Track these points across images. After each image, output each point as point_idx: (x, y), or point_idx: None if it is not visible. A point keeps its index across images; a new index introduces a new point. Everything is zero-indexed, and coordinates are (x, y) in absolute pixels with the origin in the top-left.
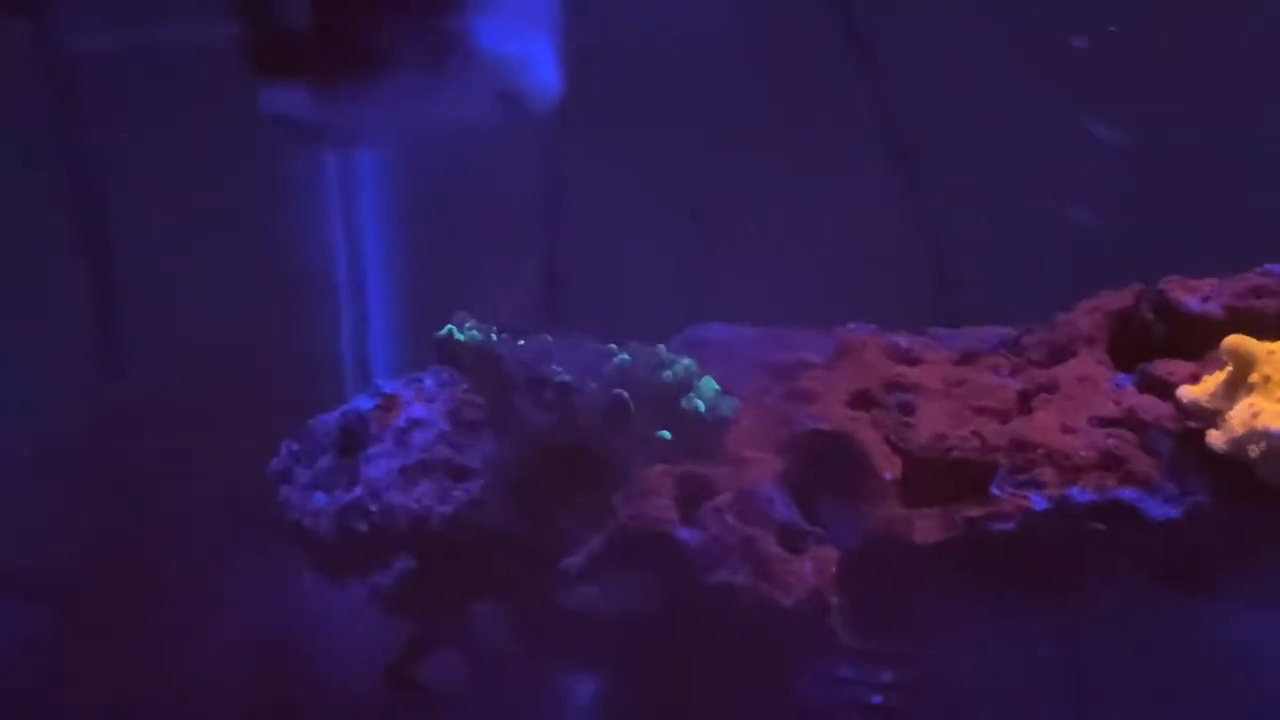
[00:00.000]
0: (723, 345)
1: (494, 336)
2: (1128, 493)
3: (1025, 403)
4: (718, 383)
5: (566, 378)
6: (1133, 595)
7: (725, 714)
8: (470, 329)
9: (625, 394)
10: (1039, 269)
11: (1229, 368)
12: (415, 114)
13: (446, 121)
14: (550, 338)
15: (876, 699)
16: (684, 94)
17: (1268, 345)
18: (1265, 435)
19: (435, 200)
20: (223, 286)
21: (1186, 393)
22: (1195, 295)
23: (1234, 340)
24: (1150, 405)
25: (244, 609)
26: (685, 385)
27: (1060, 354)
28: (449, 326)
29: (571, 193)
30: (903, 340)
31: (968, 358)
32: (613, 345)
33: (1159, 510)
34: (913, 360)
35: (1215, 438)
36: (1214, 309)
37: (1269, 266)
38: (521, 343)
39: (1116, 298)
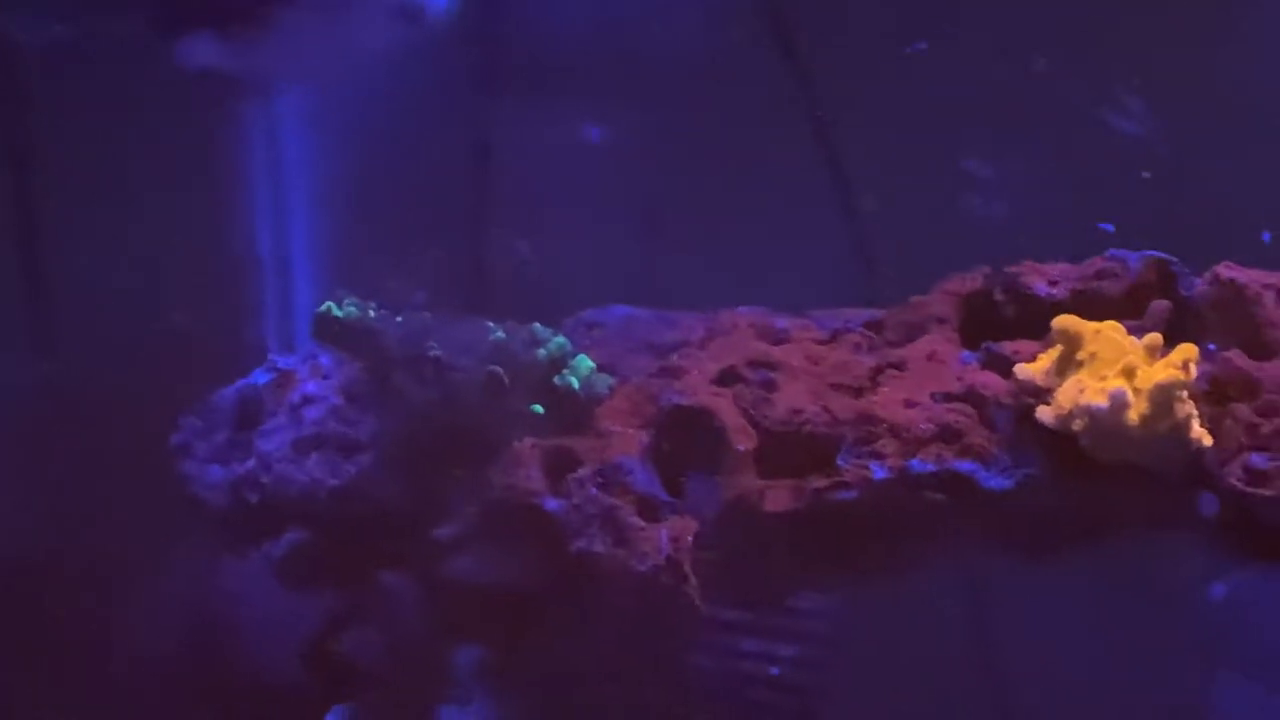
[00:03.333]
0: (616, 326)
1: (371, 314)
2: (964, 464)
3: (876, 379)
4: (604, 361)
5: (441, 354)
6: (978, 562)
7: (613, 683)
8: (349, 306)
9: (500, 370)
10: (959, 257)
11: (1060, 346)
12: (320, 42)
13: (350, 45)
14: (429, 315)
15: (775, 671)
16: (637, 93)
17: (1094, 325)
18: (1088, 411)
19: (363, 182)
20: (151, 268)
21: (1022, 370)
22: (1043, 279)
23: (1063, 320)
24: (991, 382)
25: (168, 586)
26: (559, 362)
27: (915, 333)
28: (328, 303)
29: (511, 183)
30: (781, 321)
31: (834, 337)
32: (489, 323)
33: (993, 481)
34: (782, 340)
35: (1044, 412)
36: (1060, 292)
37: (1112, 251)
38: (399, 320)
39: (968, 280)
